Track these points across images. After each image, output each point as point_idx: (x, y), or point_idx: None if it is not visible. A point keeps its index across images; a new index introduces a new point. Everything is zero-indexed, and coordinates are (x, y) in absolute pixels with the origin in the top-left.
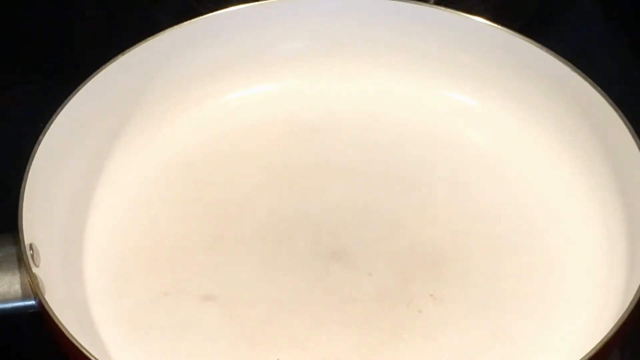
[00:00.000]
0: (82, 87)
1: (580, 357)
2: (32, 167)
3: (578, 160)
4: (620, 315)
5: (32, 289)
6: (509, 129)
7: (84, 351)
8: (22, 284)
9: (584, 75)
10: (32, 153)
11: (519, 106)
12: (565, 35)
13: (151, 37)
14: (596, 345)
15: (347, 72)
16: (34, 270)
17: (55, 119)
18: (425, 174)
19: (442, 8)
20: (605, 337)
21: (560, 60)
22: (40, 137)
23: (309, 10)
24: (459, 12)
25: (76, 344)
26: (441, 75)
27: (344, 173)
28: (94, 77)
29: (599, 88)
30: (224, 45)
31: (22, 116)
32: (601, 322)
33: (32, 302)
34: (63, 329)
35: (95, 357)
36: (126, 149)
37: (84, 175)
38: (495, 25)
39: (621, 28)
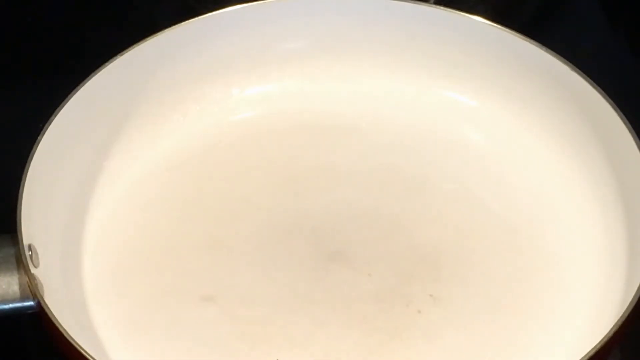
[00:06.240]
0: (82, 87)
1: (580, 357)
2: (31, 167)
3: (578, 160)
4: (620, 315)
5: (31, 289)
6: (509, 129)
7: (83, 352)
8: (21, 285)
9: (584, 75)
10: (32, 153)
11: (519, 106)
12: (565, 36)
13: (151, 37)
14: (596, 345)
15: (347, 72)
16: (33, 271)
17: (54, 119)
18: (425, 174)
19: (442, 8)
20: (605, 337)
21: (560, 60)
22: (39, 137)
23: (309, 10)
24: (459, 12)
25: (75, 344)
26: (441, 75)
27: (344, 173)
28: (93, 77)
29: (599, 88)
30: (223, 45)
31: (22, 116)
32: (601, 322)
33: (31, 303)
34: (62, 330)
35: (94, 358)
36: (126, 149)
37: (83, 175)
38: (495, 25)
39: (621, 28)
